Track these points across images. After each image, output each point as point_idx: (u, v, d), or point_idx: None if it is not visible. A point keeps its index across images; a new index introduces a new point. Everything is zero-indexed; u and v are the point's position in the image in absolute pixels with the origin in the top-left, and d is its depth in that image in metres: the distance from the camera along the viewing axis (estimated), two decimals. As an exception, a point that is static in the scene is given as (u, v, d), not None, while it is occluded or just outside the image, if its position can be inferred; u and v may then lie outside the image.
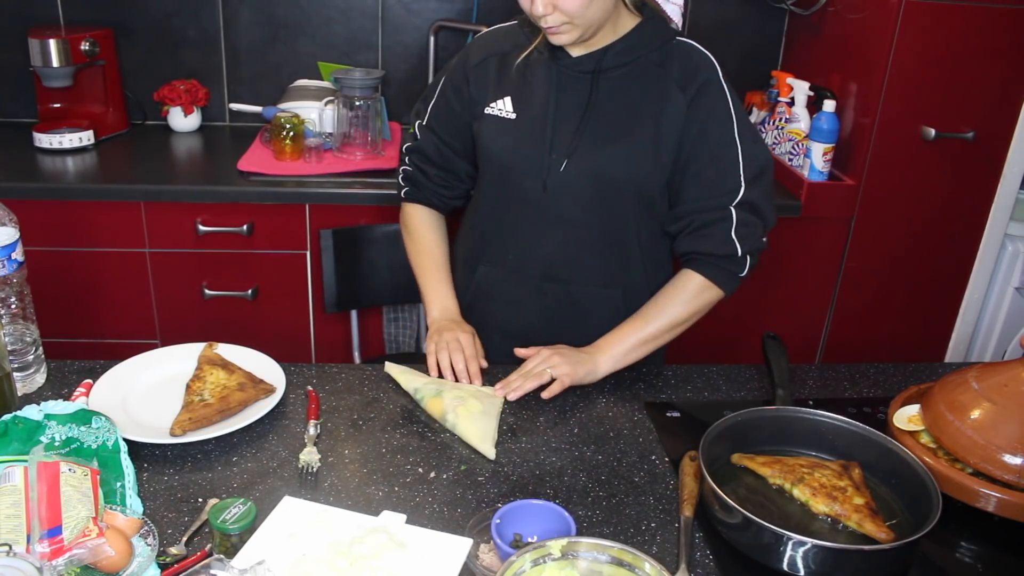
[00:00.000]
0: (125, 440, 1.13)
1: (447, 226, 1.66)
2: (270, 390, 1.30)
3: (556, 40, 1.35)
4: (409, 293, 1.80)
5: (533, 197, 1.46)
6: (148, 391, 1.31)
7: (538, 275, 1.51)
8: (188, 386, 1.29)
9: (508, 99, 1.46)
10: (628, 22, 1.41)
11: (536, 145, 1.43)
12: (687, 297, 1.45)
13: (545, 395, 1.36)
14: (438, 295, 1.56)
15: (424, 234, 1.61)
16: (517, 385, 1.36)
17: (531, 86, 1.45)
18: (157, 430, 1.20)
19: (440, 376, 1.40)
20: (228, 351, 1.39)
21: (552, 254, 1.49)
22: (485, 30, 1.56)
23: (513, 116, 1.46)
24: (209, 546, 1.01)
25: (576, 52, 1.42)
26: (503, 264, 1.53)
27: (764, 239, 1.45)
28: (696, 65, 1.41)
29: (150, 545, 0.98)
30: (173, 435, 1.18)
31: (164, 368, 1.36)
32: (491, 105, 1.48)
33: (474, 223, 1.59)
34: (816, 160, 2.26)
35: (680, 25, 1.48)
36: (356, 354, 2.22)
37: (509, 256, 1.52)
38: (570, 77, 1.42)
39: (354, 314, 2.20)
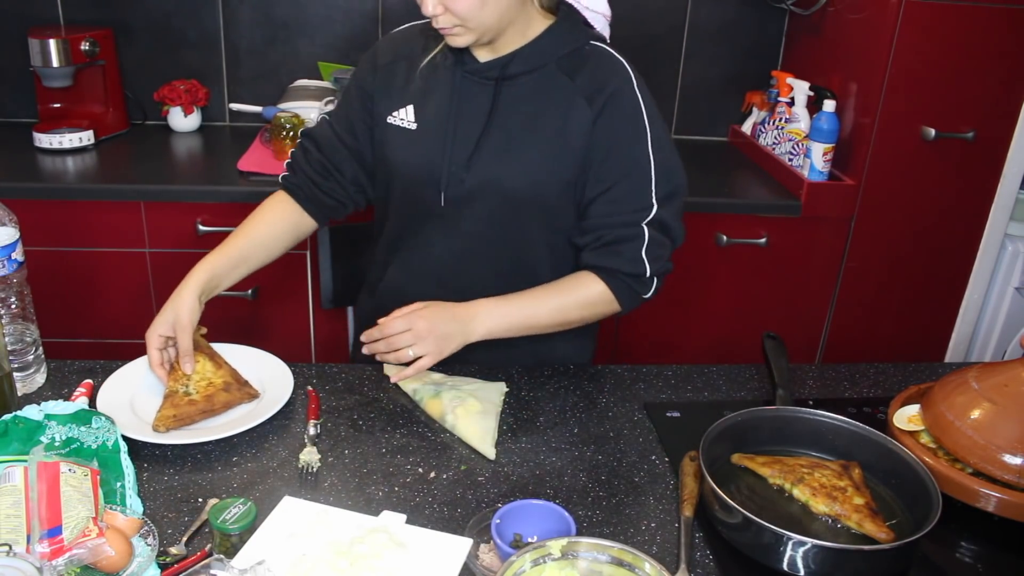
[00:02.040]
0: (126, 440, 1.13)
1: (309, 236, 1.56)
2: (254, 394, 1.30)
3: (452, 42, 1.31)
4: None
5: (432, 209, 1.41)
6: (155, 390, 1.30)
7: (438, 287, 1.43)
8: (172, 367, 1.29)
9: (411, 107, 1.41)
10: (539, 25, 1.35)
11: (435, 156, 1.38)
12: (585, 303, 1.38)
13: (395, 379, 1.33)
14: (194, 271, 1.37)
15: (256, 218, 1.47)
16: (383, 354, 1.31)
17: (434, 93, 1.39)
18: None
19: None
20: (236, 352, 1.39)
21: (450, 266, 1.44)
22: (396, 29, 1.49)
23: (414, 126, 1.40)
24: (209, 546, 1.01)
25: (483, 57, 1.37)
26: (407, 270, 1.48)
27: (670, 262, 1.40)
28: (606, 74, 1.34)
29: (150, 545, 0.98)
30: (156, 431, 1.19)
31: None
32: (393, 114, 1.42)
33: (381, 234, 1.54)
34: (816, 160, 2.26)
35: (607, 36, 1.43)
36: (351, 351, 2.22)
37: (413, 264, 1.48)
38: (473, 84, 1.37)
39: (350, 311, 2.20)
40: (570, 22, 1.38)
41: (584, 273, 1.39)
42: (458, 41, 1.30)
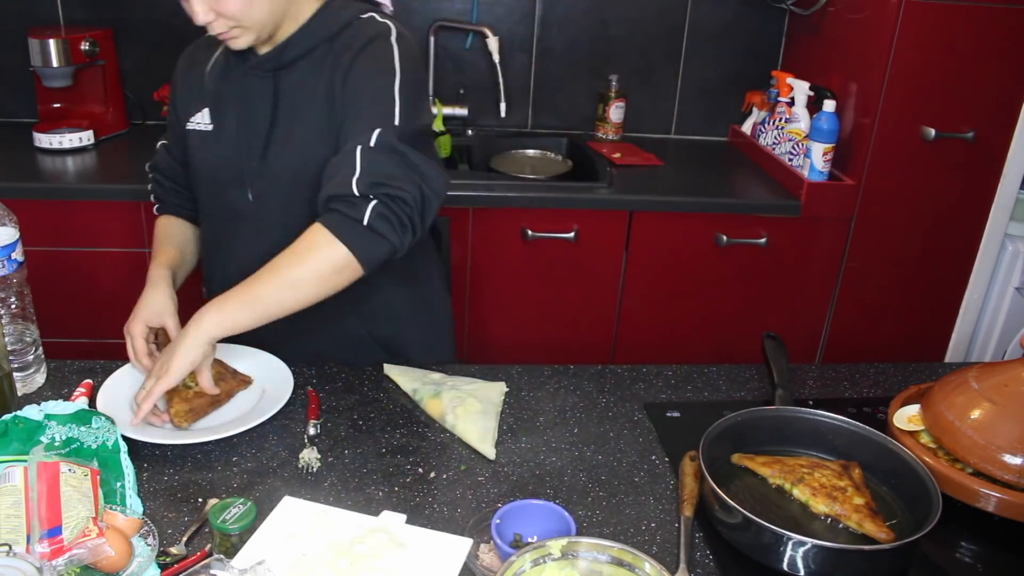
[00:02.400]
0: (126, 440, 1.13)
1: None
2: (247, 381, 1.32)
3: (234, 45, 1.30)
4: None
5: (241, 208, 1.41)
6: None
7: None
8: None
9: (206, 110, 1.42)
10: (309, 9, 1.34)
11: (234, 154, 1.39)
12: (302, 254, 1.22)
13: (135, 423, 1.19)
14: (154, 268, 1.41)
15: (163, 232, 1.51)
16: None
17: (224, 93, 1.40)
18: (166, 430, 1.21)
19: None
20: (233, 352, 1.40)
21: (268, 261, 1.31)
22: (198, 40, 1.50)
23: (210, 127, 1.41)
24: (209, 546, 1.01)
25: (264, 51, 1.37)
26: (226, 277, 1.38)
27: (408, 191, 1.21)
28: (365, 33, 1.31)
29: (150, 545, 0.98)
30: (179, 427, 1.19)
31: None
32: (192, 119, 1.43)
33: (200, 240, 1.53)
34: (816, 160, 2.26)
35: (391, 10, 1.42)
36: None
37: (230, 268, 1.42)
38: (256, 78, 1.37)
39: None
40: (340, 4, 1.36)
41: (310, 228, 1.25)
42: (239, 43, 1.30)
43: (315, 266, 1.21)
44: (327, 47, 1.33)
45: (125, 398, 1.28)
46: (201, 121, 1.42)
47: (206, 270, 1.55)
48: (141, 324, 1.32)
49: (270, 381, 1.34)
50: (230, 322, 1.20)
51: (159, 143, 1.56)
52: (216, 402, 1.26)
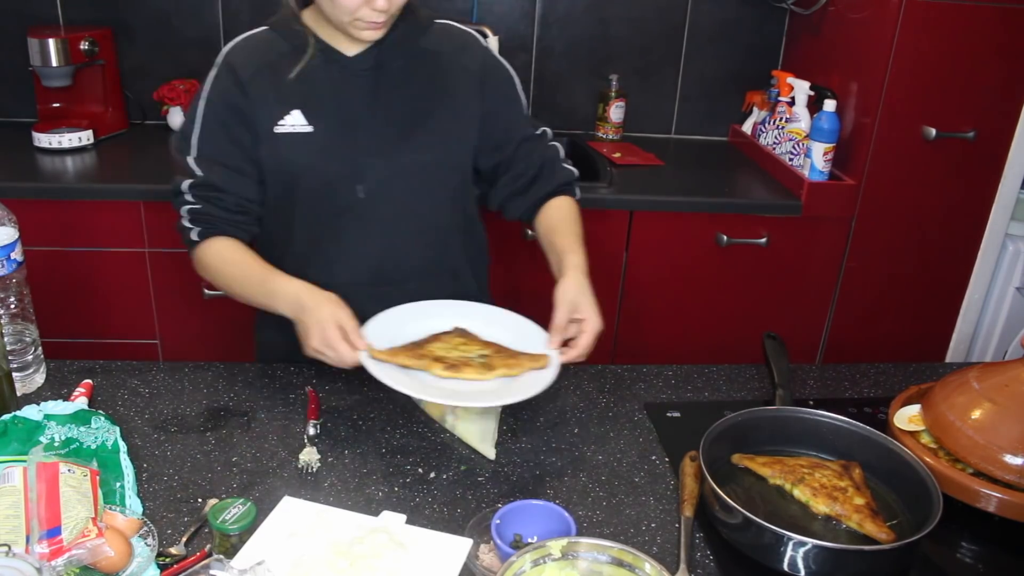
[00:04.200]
0: (125, 440, 1.13)
1: None
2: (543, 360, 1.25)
3: (372, 36, 1.33)
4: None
5: (351, 205, 1.42)
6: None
7: (369, 281, 1.45)
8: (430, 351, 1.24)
9: (297, 112, 1.38)
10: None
11: (343, 153, 1.39)
12: (578, 217, 1.50)
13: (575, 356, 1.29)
14: (292, 282, 1.31)
15: (237, 252, 1.39)
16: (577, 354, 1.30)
17: (317, 94, 1.39)
18: (442, 390, 1.19)
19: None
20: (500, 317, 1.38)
21: (381, 257, 1.46)
22: (234, 42, 1.42)
23: (310, 128, 1.38)
24: (209, 546, 1.01)
25: (351, 51, 1.39)
26: (330, 279, 1.39)
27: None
28: (467, 45, 1.48)
29: (150, 545, 0.98)
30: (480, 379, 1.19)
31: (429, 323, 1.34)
32: (280, 123, 1.38)
33: (286, 248, 1.47)
34: (816, 160, 2.26)
35: None
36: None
37: (336, 269, 1.45)
38: (353, 77, 1.39)
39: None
40: (411, 7, 1.41)
41: (559, 203, 1.51)
42: (379, 33, 1.34)
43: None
44: (417, 47, 1.43)
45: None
46: (294, 123, 1.38)
47: (295, 276, 1.44)
48: (339, 322, 1.23)
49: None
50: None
51: (188, 160, 1.40)
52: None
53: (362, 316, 1.38)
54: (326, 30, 1.39)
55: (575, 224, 1.47)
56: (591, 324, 1.28)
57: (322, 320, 1.22)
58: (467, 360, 1.22)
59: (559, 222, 1.48)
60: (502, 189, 1.53)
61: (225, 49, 1.41)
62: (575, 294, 1.30)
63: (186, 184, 1.40)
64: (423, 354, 1.22)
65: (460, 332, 1.31)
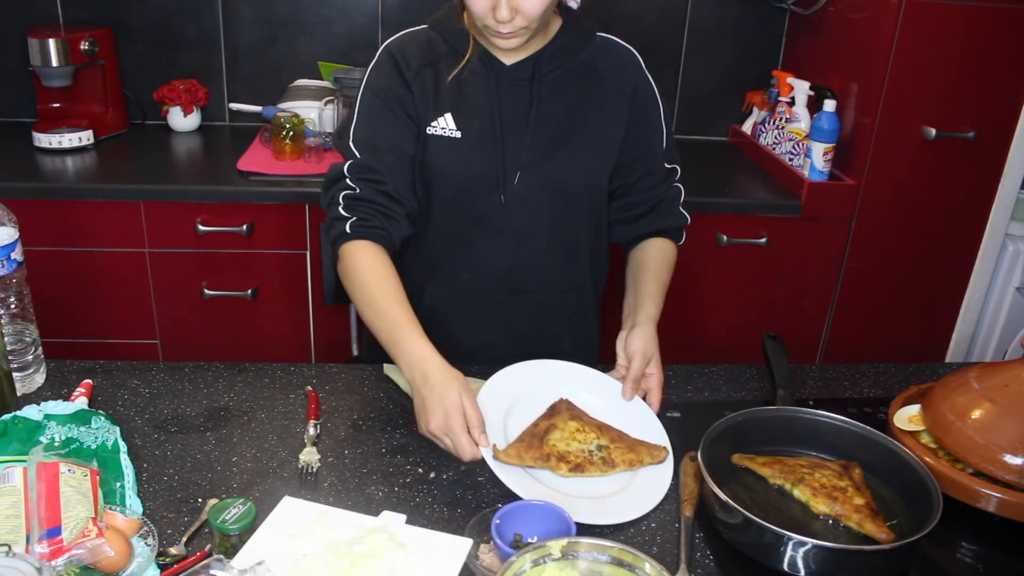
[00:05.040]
0: (125, 440, 1.13)
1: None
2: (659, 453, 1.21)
3: (507, 44, 1.30)
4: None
5: (490, 213, 1.42)
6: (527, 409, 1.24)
7: (496, 288, 1.47)
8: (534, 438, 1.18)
9: (448, 116, 1.38)
10: (554, 24, 1.40)
11: (488, 161, 1.39)
12: (671, 264, 1.50)
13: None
14: (424, 345, 1.22)
15: (379, 275, 1.31)
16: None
17: (469, 99, 1.38)
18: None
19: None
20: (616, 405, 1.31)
21: (511, 266, 1.46)
22: (396, 37, 1.42)
23: (458, 134, 1.38)
24: (209, 546, 1.01)
25: (510, 59, 1.38)
26: (456, 283, 1.47)
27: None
28: (624, 62, 1.46)
29: (150, 545, 0.98)
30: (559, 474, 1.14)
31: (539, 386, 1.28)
32: (433, 124, 1.38)
33: (419, 248, 1.47)
34: (816, 160, 2.26)
35: (577, 7, 1.49)
36: (354, 346, 2.22)
37: (463, 275, 1.46)
38: (509, 86, 1.38)
39: (352, 307, 2.20)
40: (575, 18, 1.42)
41: (661, 243, 1.51)
42: (515, 42, 1.30)
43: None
44: (576, 60, 1.41)
45: (505, 408, 1.23)
46: (445, 127, 1.38)
47: (422, 277, 1.48)
48: (468, 412, 1.16)
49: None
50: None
51: (348, 143, 1.37)
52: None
53: (484, 322, 1.45)
54: (484, 36, 1.36)
55: (666, 272, 1.47)
56: (660, 379, 1.32)
57: (447, 406, 1.14)
58: (588, 456, 1.18)
59: (652, 263, 1.47)
60: (613, 213, 1.52)
61: (387, 42, 1.42)
62: (652, 347, 1.33)
63: (346, 166, 1.36)
64: (547, 453, 1.16)
65: (569, 408, 1.25)
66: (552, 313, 1.52)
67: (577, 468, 1.15)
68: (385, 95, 1.38)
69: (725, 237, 2.27)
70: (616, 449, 1.19)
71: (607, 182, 1.47)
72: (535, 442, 1.16)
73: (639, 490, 1.15)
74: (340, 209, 1.35)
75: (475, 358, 1.41)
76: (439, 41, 1.40)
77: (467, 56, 1.38)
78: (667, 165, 1.50)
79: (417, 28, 1.43)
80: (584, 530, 1.07)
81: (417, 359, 1.20)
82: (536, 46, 1.38)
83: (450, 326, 1.48)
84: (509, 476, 1.12)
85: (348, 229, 1.33)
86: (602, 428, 1.22)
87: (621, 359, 1.34)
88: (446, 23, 1.40)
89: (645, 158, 1.48)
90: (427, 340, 1.22)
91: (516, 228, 1.43)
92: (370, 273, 1.30)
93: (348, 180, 1.36)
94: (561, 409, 1.24)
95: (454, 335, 1.45)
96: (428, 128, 1.39)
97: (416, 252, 1.49)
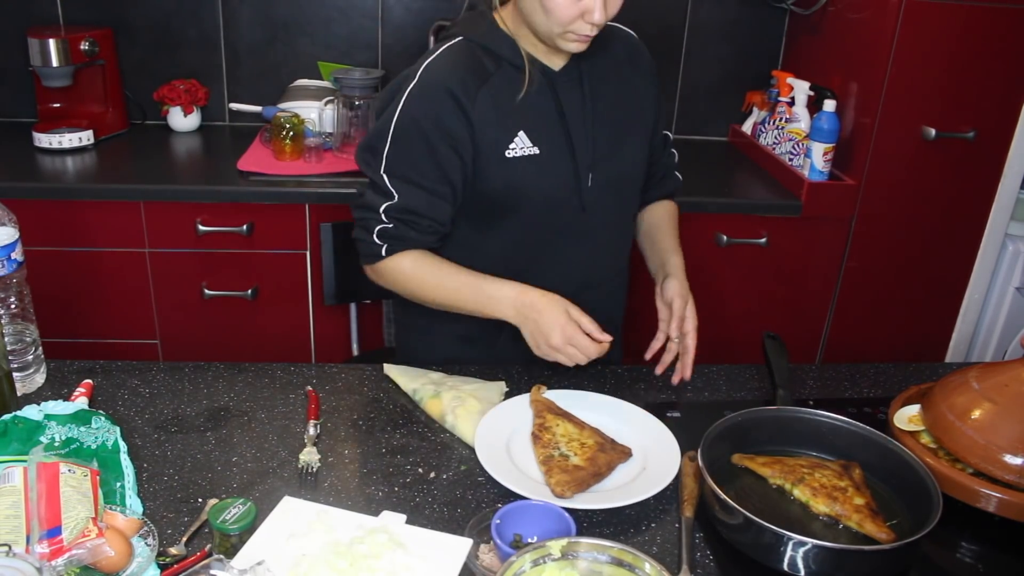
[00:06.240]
0: (126, 440, 1.13)
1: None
2: (626, 452, 1.21)
3: (578, 48, 1.30)
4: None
5: (571, 221, 1.43)
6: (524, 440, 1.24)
7: (576, 287, 1.42)
8: (536, 436, 1.21)
9: (522, 134, 1.36)
10: None
11: (565, 171, 1.40)
12: (678, 220, 1.63)
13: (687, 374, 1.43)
14: (512, 284, 1.34)
15: (436, 261, 1.39)
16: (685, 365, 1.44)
17: (535, 112, 1.37)
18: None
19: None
20: (599, 403, 1.34)
21: (587, 265, 1.50)
22: (435, 57, 1.35)
23: (536, 150, 1.36)
24: (209, 546, 1.01)
25: (557, 65, 1.39)
26: (542, 286, 1.38)
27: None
28: (633, 44, 1.53)
29: (150, 545, 0.98)
30: (561, 497, 1.10)
31: (507, 423, 1.27)
32: (510, 147, 1.35)
33: (501, 261, 1.43)
34: (816, 160, 2.26)
35: None
36: (355, 346, 2.22)
37: (547, 277, 1.41)
38: (564, 92, 1.39)
39: (353, 307, 2.21)
40: None
41: (666, 205, 1.63)
42: (584, 46, 1.31)
43: None
44: (604, 55, 1.44)
45: (502, 440, 1.23)
46: (524, 146, 1.36)
47: None
48: (579, 318, 1.30)
49: (652, 451, 1.23)
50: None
51: (384, 177, 1.35)
52: (598, 474, 1.15)
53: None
54: (527, 41, 1.35)
55: (676, 226, 1.60)
56: (695, 321, 1.46)
57: (560, 321, 1.29)
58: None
59: (663, 220, 1.59)
60: None
61: (426, 63, 1.34)
62: (687, 290, 1.47)
63: (384, 206, 1.36)
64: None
65: (548, 406, 1.28)
66: (613, 299, 1.59)
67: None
68: (433, 126, 1.32)
69: (725, 237, 2.27)
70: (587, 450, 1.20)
71: (645, 168, 1.56)
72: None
73: (640, 486, 1.15)
74: (375, 237, 1.38)
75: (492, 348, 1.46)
76: (483, 55, 1.35)
77: (527, 69, 1.34)
78: (663, 132, 1.60)
79: (451, 44, 1.36)
80: (584, 530, 1.07)
81: (514, 296, 1.33)
82: None
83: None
84: (506, 475, 1.13)
85: (385, 253, 1.38)
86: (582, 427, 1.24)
87: (663, 311, 1.47)
88: (493, 36, 1.35)
89: (658, 130, 1.57)
90: (509, 282, 1.35)
91: (593, 228, 1.47)
92: (425, 267, 1.39)
93: (383, 216, 1.37)
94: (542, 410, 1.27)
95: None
96: (507, 152, 1.35)
97: (501, 264, 1.42)
